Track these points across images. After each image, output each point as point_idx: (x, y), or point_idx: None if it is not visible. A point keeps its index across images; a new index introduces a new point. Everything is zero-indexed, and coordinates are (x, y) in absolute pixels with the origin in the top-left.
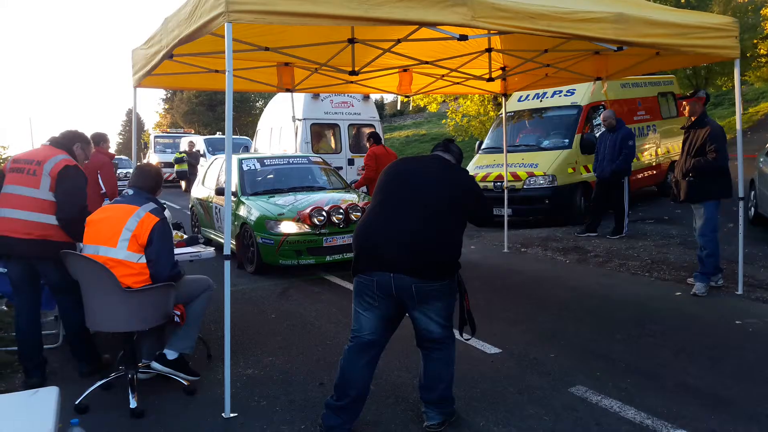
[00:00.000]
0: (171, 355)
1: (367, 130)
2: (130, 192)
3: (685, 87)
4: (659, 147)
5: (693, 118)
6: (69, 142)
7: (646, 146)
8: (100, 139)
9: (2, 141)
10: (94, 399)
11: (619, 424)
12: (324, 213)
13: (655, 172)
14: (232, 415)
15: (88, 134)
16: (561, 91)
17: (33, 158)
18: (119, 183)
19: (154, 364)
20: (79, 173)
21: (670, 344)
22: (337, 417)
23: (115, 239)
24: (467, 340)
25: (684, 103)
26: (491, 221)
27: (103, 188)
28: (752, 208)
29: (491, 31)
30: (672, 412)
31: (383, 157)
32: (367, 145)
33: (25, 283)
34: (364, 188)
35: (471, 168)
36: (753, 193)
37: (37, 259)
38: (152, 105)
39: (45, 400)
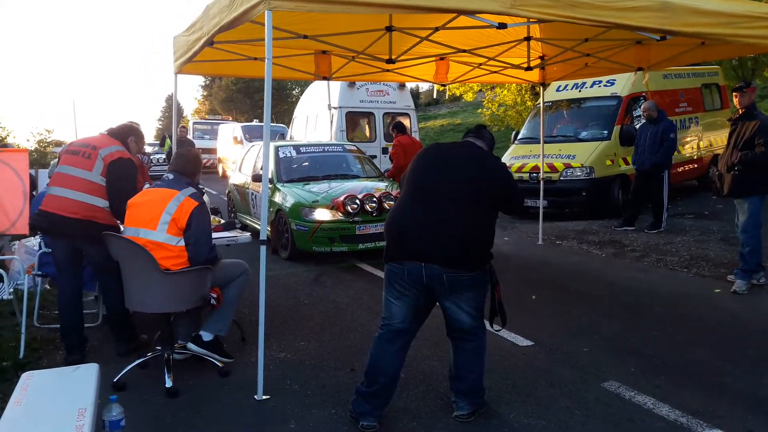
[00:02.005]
0: (206, 336)
1: (402, 119)
2: (170, 176)
3: (731, 78)
4: (701, 140)
5: (742, 110)
6: (125, 134)
7: (688, 139)
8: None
9: (47, 125)
10: (131, 377)
11: (652, 420)
12: (357, 201)
13: (696, 165)
14: (264, 397)
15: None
16: (601, 82)
17: (90, 143)
18: (154, 168)
19: (190, 345)
20: (132, 165)
21: (708, 342)
22: (367, 404)
23: (155, 222)
24: (497, 331)
25: (734, 94)
26: (522, 211)
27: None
28: None
29: (531, 20)
30: (707, 411)
31: (410, 147)
32: (392, 134)
33: (68, 263)
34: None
35: (506, 158)
36: None
37: (81, 238)
38: (191, 92)
39: (86, 376)
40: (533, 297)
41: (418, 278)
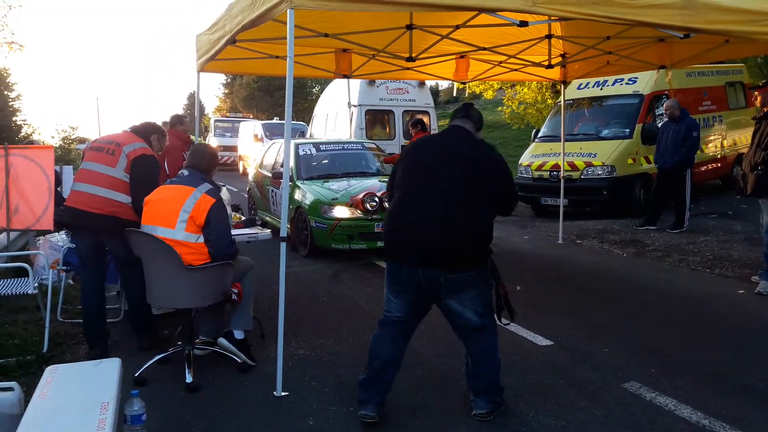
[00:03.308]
0: (239, 334)
1: (421, 117)
2: (185, 173)
3: (756, 77)
4: (725, 139)
5: (765, 109)
6: (148, 132)
7: (711, 138)
8: (176, 122)
9: (71, 121)
10: (152, 372)
11: (673, 422)
12: (376, 199)
13: (719, 164)
14: (283, 393)
15: (167, 117)
16: (622, 80)
17: (114, 140)
18: None
19: (221, 341)
20: (155, 163)
21: (731, 343)
22: (366, 391)
23: (173, 220)
24: (506, 325)
25: (756, 93)
26: (511, 209)
27: (167, 170)
28: None
29: (552, 17)
30: (731, 414)
31: None
32: (412, 132)
33: (92, 257)
34: None
35: (527, 156)
36: None
37: (105, 233)
38: (212, 89)
39: (108, 370)
40: (553, 297)
41: (416, 282)
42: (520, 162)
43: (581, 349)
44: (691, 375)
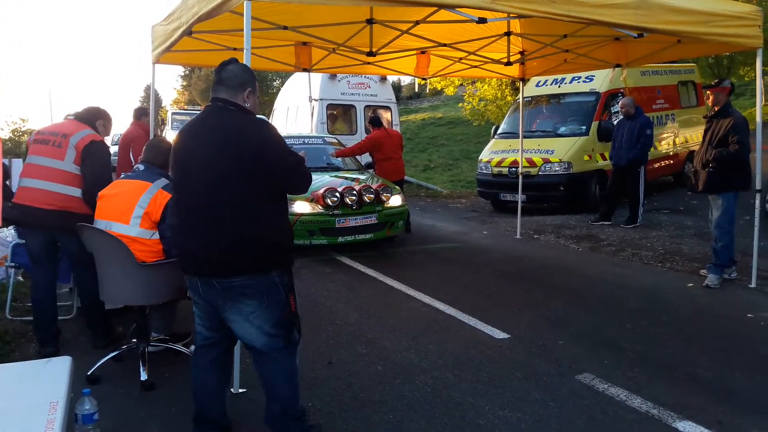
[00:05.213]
0: None
1: (383, 112)
2: (141, 167)
3: (707, 76)
4: (677, 136)
5: (716, 108)
6: (93, 118)
7: (665, 135)
8: (142, 114)
9: (22, 114)
10: (106, 370)
11: (624, 412)
12: (338, 194)
13: (672, 161)
14: (240, 390)
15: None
16: (580, 78)
17: (59, 131)
18: None
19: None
20: (105, 148)
21: (681, 335)
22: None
23: (128, 216)
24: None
25: (708, 92)
26: (304, 188)
27: (134, 162)
28: None
29: (511, 15)
30: (679, 403)
31: (385, 140)
32: (370, 128)
33: (43, 254)
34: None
35: (486, 153)
36: None
37: (58, 230)
38: (170, 81)
39: (58, 369)
40: (511, 291)
41: (198, 291)
42: (480, 158)
43: (537, 342)
44: (642, 366)
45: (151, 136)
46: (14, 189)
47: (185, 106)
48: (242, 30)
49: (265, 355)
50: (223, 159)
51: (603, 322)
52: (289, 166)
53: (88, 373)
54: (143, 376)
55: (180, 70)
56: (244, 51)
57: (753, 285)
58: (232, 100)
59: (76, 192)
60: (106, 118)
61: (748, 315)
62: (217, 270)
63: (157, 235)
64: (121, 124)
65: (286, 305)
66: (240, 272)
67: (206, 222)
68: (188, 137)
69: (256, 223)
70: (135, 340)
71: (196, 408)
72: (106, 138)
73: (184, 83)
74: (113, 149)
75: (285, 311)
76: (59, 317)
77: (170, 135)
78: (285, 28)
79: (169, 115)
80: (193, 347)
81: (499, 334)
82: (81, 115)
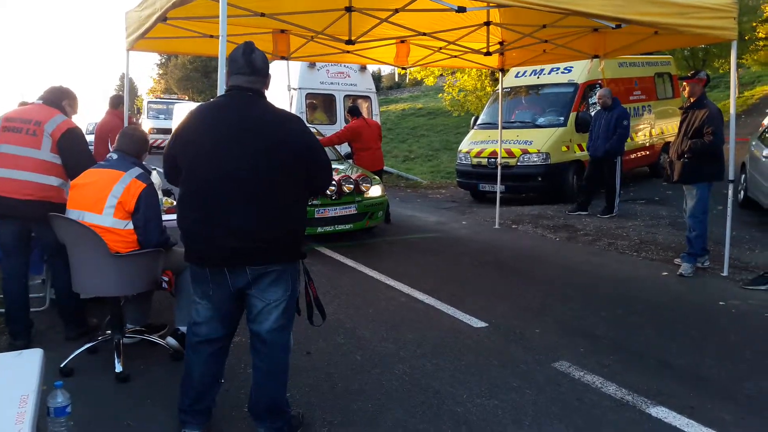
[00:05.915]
0: (184, 329)
1: (362, 102)
2: (114, 156)
3: (683, 68)
4: (653, 128)
5: (692, 99)
6: (59, 99)
7: (641, 126)
8: (118, 102)
9: None
10: (80, 362)
11: (599, 399)
12: None
13: (648, 152)
14: None
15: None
16: (558, 69)
17: (31, 118)
18: None
19: (170, 340)
20: (81, 135)
21: (654, 323)
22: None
23: (101, 206)
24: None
25: (684, 83)
26: (327, 188)
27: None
28: (742, 192)
29: (490, 4)
30: (652, 389)
31: (364, 129)
32: (349, 118)
33: (16, 245)
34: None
35: (466, 143)
36: (744, 176)
37: (36, 220)
38: (146, 70)
39: (29, 362)
40: (489, 280)
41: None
42: (459, 149)
43: (515, 331)
44: (617, 354)
45: (125, 125)
46: None
47: (161, 95)
48: (218, 17)
49: (267, 344)
50: (271, 153)
51: (579, 311)
52: (327, 166)
53: (62, 366)
54: (118, 368)
55: (156, 58)
56: (220, 38)
57: (725, 273)
58: (262, 90)
59: (55, 181)
60: (72, 97)
61: (720, 303)
62: (253, 258)
63: (131, 225)
64: (96, 113)
65: (307, 293)
66: (278, 260)
67: (245, 214)
68: (222, 128)
69: (295, 214)
70: (109, 331)
71: (192, 398)
72: (80, 125)
73: (161, 71)
74: (89, 138)
75: (307, 298)
76: (32, 309)
77: (146, 124)
78: (262, 15)
79: (144, 103)
80: (169, 338)
81: (477, 323)
82: (47, 98)
